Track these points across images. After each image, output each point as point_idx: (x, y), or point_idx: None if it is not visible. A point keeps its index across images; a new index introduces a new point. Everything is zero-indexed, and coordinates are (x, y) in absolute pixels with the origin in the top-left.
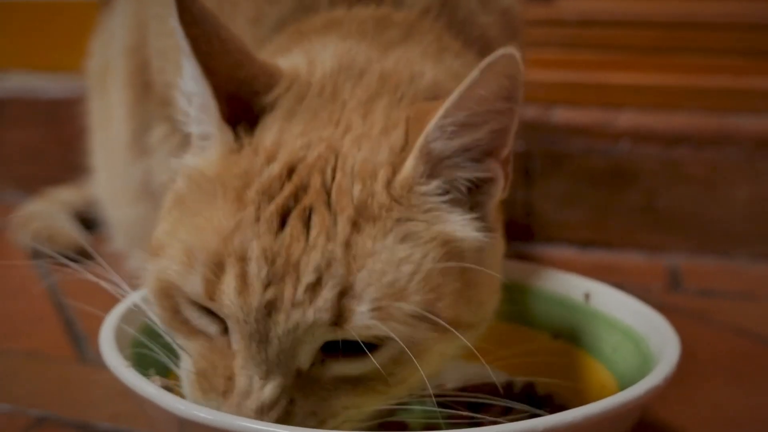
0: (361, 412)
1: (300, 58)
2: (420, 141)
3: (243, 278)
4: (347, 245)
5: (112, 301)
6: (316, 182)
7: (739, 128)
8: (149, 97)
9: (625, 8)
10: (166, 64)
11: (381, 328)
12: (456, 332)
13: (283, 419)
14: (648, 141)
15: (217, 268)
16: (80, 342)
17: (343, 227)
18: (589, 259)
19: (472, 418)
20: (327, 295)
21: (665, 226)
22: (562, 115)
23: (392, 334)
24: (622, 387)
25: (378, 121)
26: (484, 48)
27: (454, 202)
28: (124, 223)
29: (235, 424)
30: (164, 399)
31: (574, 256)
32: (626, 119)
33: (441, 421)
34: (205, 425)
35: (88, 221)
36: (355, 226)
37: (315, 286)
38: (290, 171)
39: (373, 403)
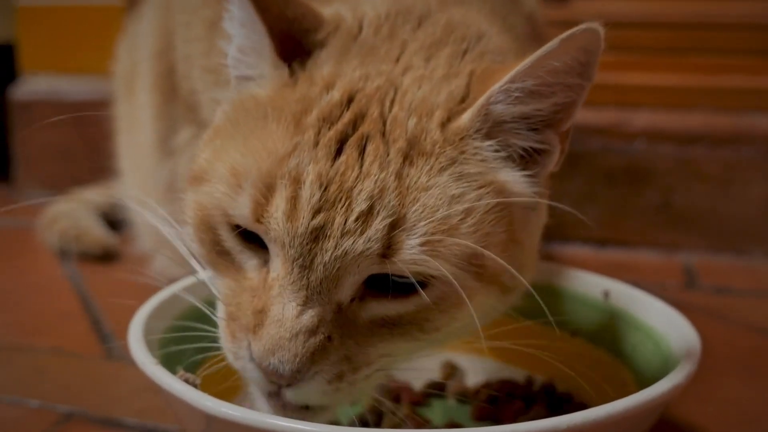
0: (393, 362)
1: (342, 7)
2: (482, 99)
3: (294, 201)
4: (399, 176)
5: (139, 299)
6: (374, 111)
7: (754, 127)
8: (175, 101)
9: (640, 9)
10: (192, 70)
11: (430, 263)
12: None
13: (319, 355)
14: (663, 140)
15: (267, 189)
16: (106, 339)
17: (395, 158)
18: (605, 258)
19: (494, 414)
20: (378, 225)
21: (681, 224)
22: (578, 114)
23: (442, 269)
24: (642, 385)
25: (440, 67)
26: None
27: (507, 161)
28: (150, 225)
29: (261, 421)
30: (192, 396)
31: (590, 254)
32: (642, 119)
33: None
34: (232, 422)
35: (113, 221)
36: (407, 158)
37: (367, 216)
38: (349, 99)
39: (407, 352)
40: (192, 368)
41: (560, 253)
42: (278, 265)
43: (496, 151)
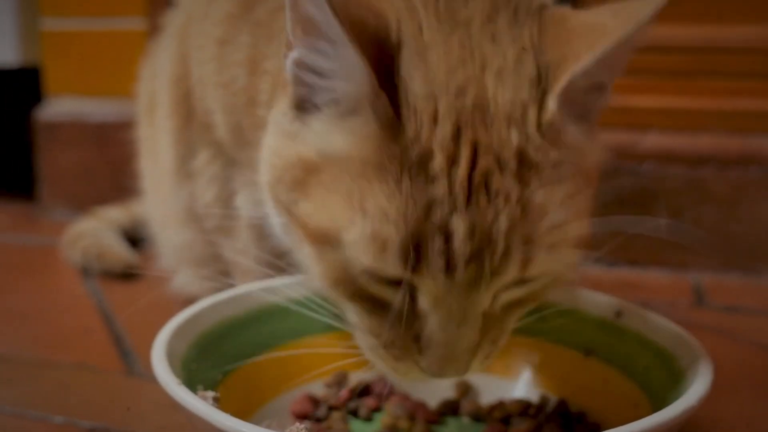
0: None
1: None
2: (562, 84)
3: (445, 255)
4: (521, 202)
5: (161, 317)
6: (482, 137)
7: (762, 149)
8: (192, 125)
9: (650, 33)
10: (205, 90)
11: (553, 268)
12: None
13: (477, 353)
14: (673, 161)
15: (416, 248)
16: (128, 355)
17: (513, 186)
18: (615, 276)
19: None
20: (517, 256)
21: (690, 243)
22: None
23: (563, 270)
24: (655, 406)
25: (508, 46)
26: None
27: (582, 124)
28: (172, 245)
29: None
30: (215, 417)
31: (599, 273)
32: (652, 141)
33: None
34: None
35: (135, 239)
36: (522, 180)
37: (506, 251)
38: (458, 130)
39: (521, 316)
40: (212, 386)
41: None
42: (431, 302)
43: (577, 123)
